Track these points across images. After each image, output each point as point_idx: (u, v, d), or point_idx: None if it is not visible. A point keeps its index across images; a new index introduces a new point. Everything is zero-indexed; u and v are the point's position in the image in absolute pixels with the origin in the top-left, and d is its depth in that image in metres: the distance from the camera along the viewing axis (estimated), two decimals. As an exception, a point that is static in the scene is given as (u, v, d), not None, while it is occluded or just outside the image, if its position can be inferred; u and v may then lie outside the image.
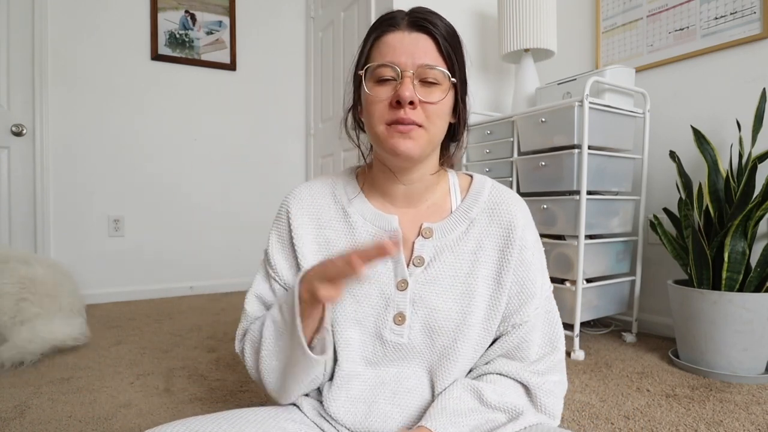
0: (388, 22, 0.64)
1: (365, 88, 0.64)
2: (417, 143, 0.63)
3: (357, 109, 0.70)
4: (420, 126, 0.62)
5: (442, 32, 0.63)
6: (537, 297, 0.68)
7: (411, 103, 0.61)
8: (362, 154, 0.74)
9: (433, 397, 0.66)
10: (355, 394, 0.66)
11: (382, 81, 0.62)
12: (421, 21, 0.62)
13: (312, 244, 0.70)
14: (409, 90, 0.60)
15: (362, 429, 0.65)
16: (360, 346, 0.67)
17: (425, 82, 0.62)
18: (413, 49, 0.61)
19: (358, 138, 0.73)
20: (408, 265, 0.67)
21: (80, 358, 1.64)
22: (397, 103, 0.61)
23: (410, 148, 0.62)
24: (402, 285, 0.66)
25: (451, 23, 0.67)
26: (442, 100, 0.63)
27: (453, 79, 0.64)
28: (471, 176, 0.75)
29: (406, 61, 0.61)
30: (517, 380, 0.65)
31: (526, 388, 0.64)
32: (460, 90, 0.67)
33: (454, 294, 0.66)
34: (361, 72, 0.65)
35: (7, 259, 1.79)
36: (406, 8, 0.67)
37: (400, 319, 0.65)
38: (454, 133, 0.72)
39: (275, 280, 0.71)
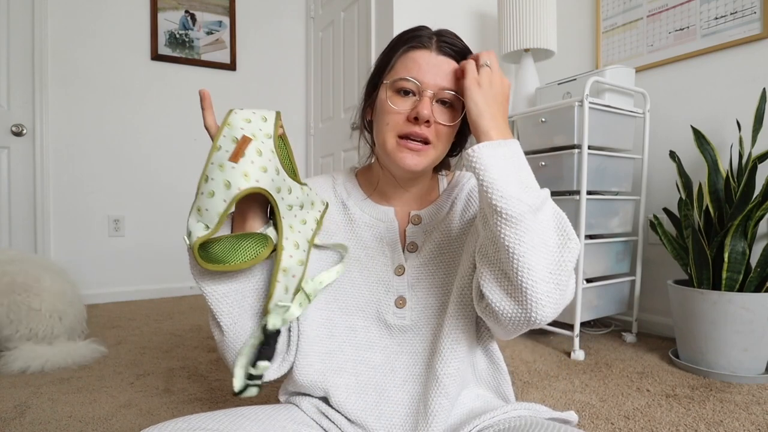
0: (418, 39, 0.67)
1: (385, 96, 0.67)
2: (423, 160, 0.67)
3: (366, 111, 0.75)
4: (429, 143, 0.66)
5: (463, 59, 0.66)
6: None
7: (427, 121, 0.64)
8: (372, 145, 0.77)
9: (439, 384, 0.65)
10: (364, 381, 0.68)
11: (401, 93, 0.66)
12: (449, 47, 0.66)
13: None
14: (428, 109, 0.63)
15: (370, 417, 0.66)
16: (364, 332, 0.70)
17: (442, 103, 0.66)
18: (437, 71, 0.65)
19: (372, 142, 0.76)
20: (403, 252, 0.72)
21: (80, 358, 1.64)
22: (415, 119, 0.64)
23: (417, 164, 0.66)
24: (399, 270, 0.71)
25: (466, 43, 0.70)
26: (454, 123, 0.67)
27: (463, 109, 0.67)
28: (455, 172, 0.81)
29: (429, 81, 0.64)
30: None
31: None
32: None
33: (448, 270, 0.70)
34: (387, 82, 0.68)
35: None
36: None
37: (401, 302, 0.69)
38: (454, 148, 0.76)
39: None
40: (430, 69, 0.64)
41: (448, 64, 0.65)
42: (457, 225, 0.72)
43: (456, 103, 0.66)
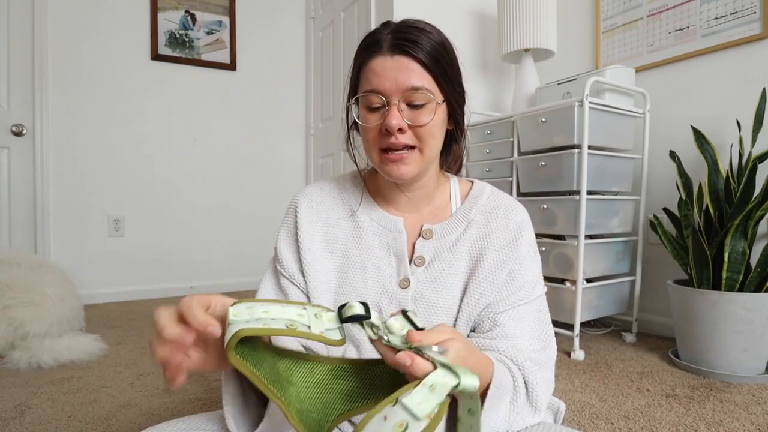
0: (371, 47, 0.64)
1: (356, 116, 0.66)
2: (410, 167, 0.65)
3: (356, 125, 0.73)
4: (413, 148, 0.64)
5: (426, 49, 0.62)
6: (525, 289, 0.68)
7: (400, 129, 0.62)
8: (359, 171, 0.76)
9: None
10: None
11: (372, 108, 0.64)
12: (403, 43, 0.62)
13: (319, 242, 0.71)
14: (396, 118, 0.61)
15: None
16: (367, 342, 0.68)
17: (412, 105, 0.63)
18: (396, 74, 0.61)
19: (354, 159, 0.75)
20: (410, 265, 0.69)
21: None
22: (387, 131, 0.63)
23: (404, 173, 0.65)
24: (404, 283, 0.68)
25: (441, 31, 0.66)
26: (431, 121, 0.64)
27: (438, 101, 0.64)
28: (472, 182, 0.77)
29: (391, 87, 0.62)
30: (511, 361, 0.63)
31: (519, 372, 0.63)
32: (454, 99, 0.68)
33: (453, 292, 0.67)
34: (350, 103, 0.67)
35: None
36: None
37: None
38: (453, 137, 0.73)
39: (283, 275, 0.71)
40: (389, 75, 0.61)
41: (408, 62, 0.62)
42: (469, 250, 0.69)
43: (430, 99, 0.63)
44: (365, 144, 0.67)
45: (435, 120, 0.64)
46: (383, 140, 0.64)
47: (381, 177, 0.73)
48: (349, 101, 0.69)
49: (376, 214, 0.72)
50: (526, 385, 0.62)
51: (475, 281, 0.67)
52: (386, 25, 0.66)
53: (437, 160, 0.72)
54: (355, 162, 0.75)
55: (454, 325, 0.67)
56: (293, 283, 0.70)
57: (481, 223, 0.70)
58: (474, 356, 0.52)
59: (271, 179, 3.16)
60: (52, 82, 2.55)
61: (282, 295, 0.71)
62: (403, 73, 0.62)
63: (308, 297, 0.69)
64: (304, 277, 0.69)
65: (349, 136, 0.74)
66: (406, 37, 0.62)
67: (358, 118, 0.66)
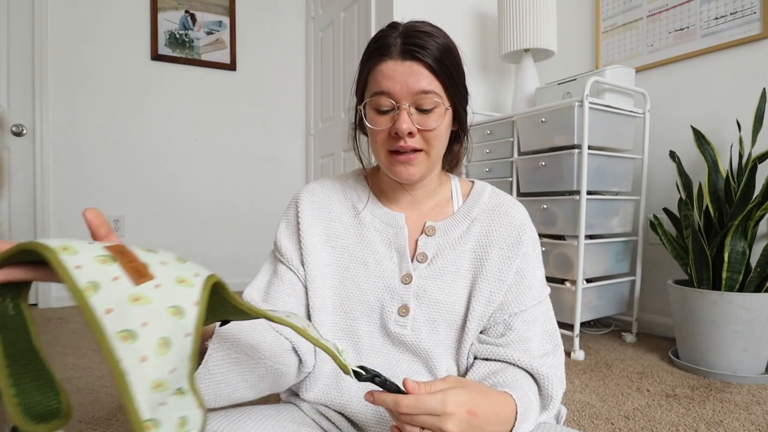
0: (381, 51, 0.64)
1: (366, 118, 0.67)
2: (418, 168, 0.66)
3: (362, 125, 0.74)
4: (420, 150, 0.65)
5: (435, 54, 0.63)
6: (535, 288, 0.69)
7: (410, 133, 0.63)
8: (364, 168, 0.78)
9: None
10: (365, 384, 0.67)
11: (381, 111, 0.65)
12: (413, 48, 0.62)
13: (320, 235, 0.72)
14: (406, 122, 0.62)
15: (371, 421, 0.66)
16: (368, 337, 0.69)
17: (421, 110, 0.64)
18: (406, 78, 0.62)
19: (360, 157, 0.77)
20: (412, 261, 0.70)
21: (80, 358, 1.64)
22: (396, 134, 0.64)
23: (412, 174, 0.66)
24: (406, 279, 0.69)
25: (446, 33, 0.67)
26: (439, 125, 0.65)
27: (446, 106, 0.65)
28: (472, 182, 0.78)
29: (401, 91, 0.62)
30: (526, 369, 0.65)
31: (535, 380, 0.65)
32: (459, 102, 0.68)
33: (456, 289, 0.68)
34: (360, 107, 0.68)
35: None
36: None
37: (404, 311, 0.68)
38: (456, 136, 0.75)
39: (281, 261, 0.71)
40: (398, 78, 0.62)
41: (418, 67, 0.63)
42: (473, 248, 0.70)
43: (439, 103, 0.64)
44: (373, 146, 0.68)
45: (443, 124, 0.65)
46: (392, 143, 0.65)
47: (383, 175, 0.74)
48: (359, 104, 0.69)
49: (377, 210, 0.73)
50: (540, 389, 0.64)
51: (482, 279, 0.68)
52: (394, 27, 0.66)
53: (441, 160, 0.73)
54: (361, 161, 0.76)
55: (464, 325, 0.67)
56: (290, 269, 0.70)
57: (484, 221, 0.71)
58: (485, 399, 0.54)
59: (271, 179, 3.16)
60: (52, 82, 2.55)
61: (277, 280, 0.71)
62: (414, 77, 0.63)
63: (306, 287, 0.70)
64: (303, 266, 0.70)
65: (355, 137, 0.75)
66: (416, 43, 0.63)
67: (365, 119, 0.67)
